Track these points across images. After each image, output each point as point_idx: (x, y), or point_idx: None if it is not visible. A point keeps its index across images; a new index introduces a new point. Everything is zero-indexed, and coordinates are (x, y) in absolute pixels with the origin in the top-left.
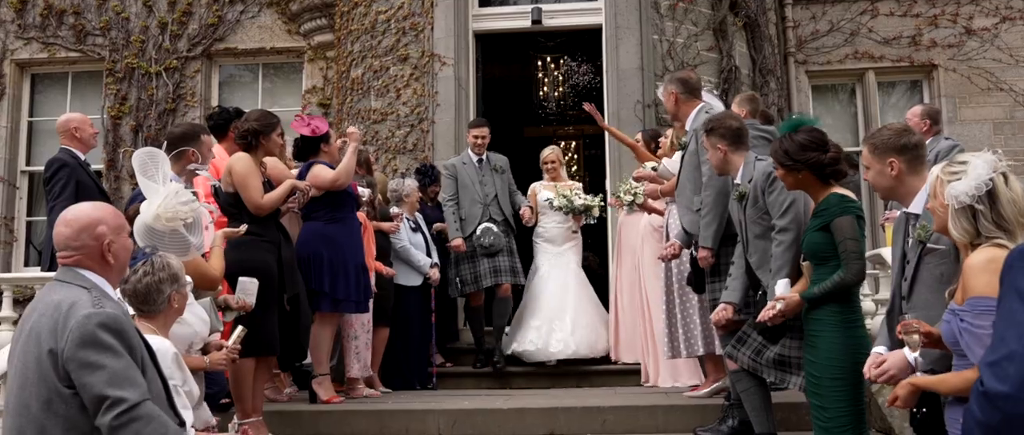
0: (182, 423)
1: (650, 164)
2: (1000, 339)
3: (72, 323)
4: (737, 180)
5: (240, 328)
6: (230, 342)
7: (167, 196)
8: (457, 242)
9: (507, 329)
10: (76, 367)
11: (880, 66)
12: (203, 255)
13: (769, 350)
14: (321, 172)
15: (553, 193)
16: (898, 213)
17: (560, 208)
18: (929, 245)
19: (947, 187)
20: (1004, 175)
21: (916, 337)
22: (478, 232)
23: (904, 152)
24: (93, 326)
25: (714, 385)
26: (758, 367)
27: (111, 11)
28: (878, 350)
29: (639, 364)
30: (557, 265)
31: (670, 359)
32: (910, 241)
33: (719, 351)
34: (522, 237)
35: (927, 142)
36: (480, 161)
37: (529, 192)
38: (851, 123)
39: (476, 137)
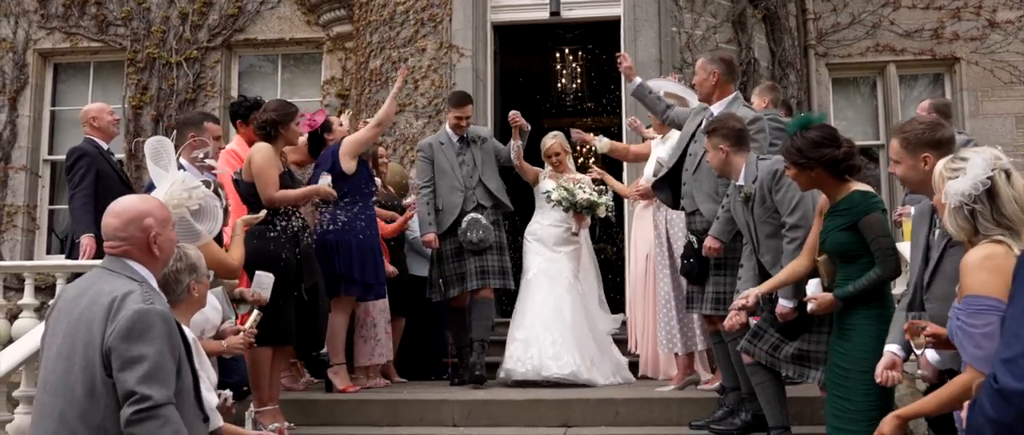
0: (206, 419)
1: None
2: (1015, 335)
3: (122, 314)
4: (739, 182)
5: (256, 312)
6: (247, 326)
7: (173, 183)
8: (429, 237)
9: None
10: (117, 358)
11: (901, 59)
12: (223, 245)
13: (787, 346)
14: (354, 138)
15: (554, 185)
16: (911, 208)
17: (558, 202)
18: (954, 238)
19: (946, 184)
20: (1006, 172)
21: (922, 338)
22: (463, 225)
23: (939, 147)
24: (142, 321)
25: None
26: (776, 362)
27: (133, 1)
28: (892, 349)
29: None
30: (547, 272)
31: (668, 353)
32: (936, 233)
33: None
34: (514, 236)
35: None
36: (462, 140)
37: (531, 175)
38: (871, 117)
39: (459, 118)
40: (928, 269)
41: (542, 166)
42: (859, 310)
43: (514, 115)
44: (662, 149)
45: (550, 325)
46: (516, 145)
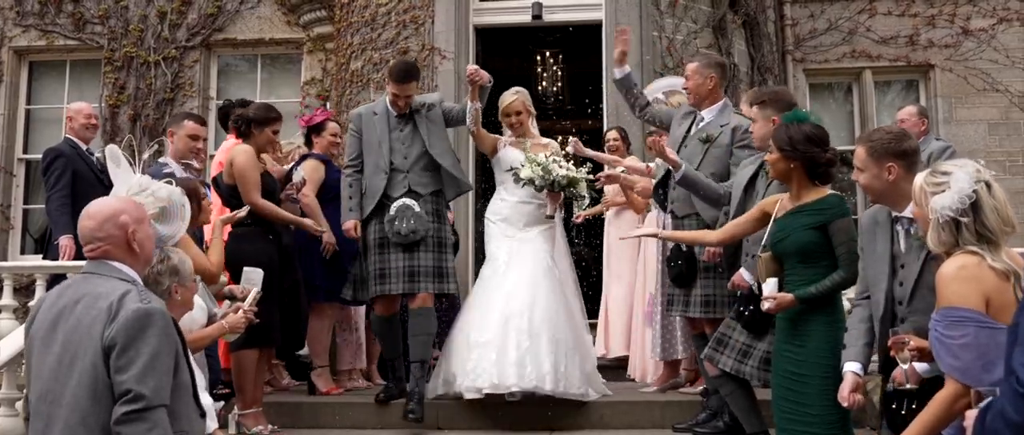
0: (203, 414)
1: (620, 167)
2: None
3: (122, 315)
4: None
5: (256, 290)
6: (246, 304)
7: (129, 188)
8: (347, 225)
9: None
10: (116, 356)
11: (877, 65)
12: (204, 247)
13: (755, 349)
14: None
15: (522, 158)
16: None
17: (529, 181)
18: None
19: (931, 200)
20: (987, 184)
21: (907, 352)
22: (391, 211)
23: (903, 157)
24: (141, 320)
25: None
26: (742, 370)
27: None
28: (853, 368)
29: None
30: (519, 256)
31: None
32: (902, 244)
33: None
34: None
35: (919, 142)
36: (401, 116)
37: (489, 144)
38: (847, 122)
39: (396, 94)
40: (897, 279)
41: (500, 132)
42: (816, 314)
43: (473, 69)
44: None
45: (521, 322)
46: (474, 107)
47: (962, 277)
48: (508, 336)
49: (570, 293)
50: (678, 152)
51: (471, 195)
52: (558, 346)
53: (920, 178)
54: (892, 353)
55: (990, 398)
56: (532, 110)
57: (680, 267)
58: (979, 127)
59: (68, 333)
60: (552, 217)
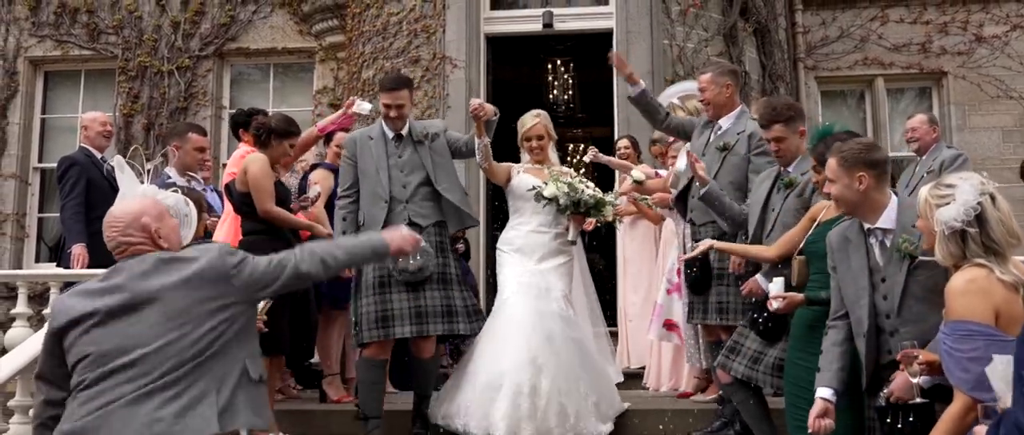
0: None
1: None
2: None
3: (216, 250)
4: (790, 169)
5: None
6: (259, 312)
7: (134, 197)
8: None
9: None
10: (239, 271)
11: (889, 73)
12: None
13: (768, 355)
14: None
15: (539, 179)
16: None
17: (552, 200)
18: (921, 258)
19: (936, 212)
20: (991, 196)
21: (916, 366)
22: None
23: (874, 167)
24: (227, 248)
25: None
26: (754, 376)
27: (124, 10)
28: (825, 394)
29: (643, 368)
30: (529, 291)
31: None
32: (878, 256)
33: None
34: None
35: (930, 150)
36: (398, 138)
37: (503, 175)
38: (860, 129)
39: (387, 104)
40: (879, 293)
41: (517, 160)
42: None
43: (476, 104)
44: (681, 159)
45: (527, 365)
46: (483, 143)
47: (971, 291)
48: (516, 398)
49: (588, 329)
50: (719, 165)
51: (483, 222)
52: (565, 411)
53: (925, 191)
54: (901, 368)
55: (1004, 410)
56: (554, 135)
57: (696, 274)
58: (993, 134)
59: (174, 296)
60: (573, 243)
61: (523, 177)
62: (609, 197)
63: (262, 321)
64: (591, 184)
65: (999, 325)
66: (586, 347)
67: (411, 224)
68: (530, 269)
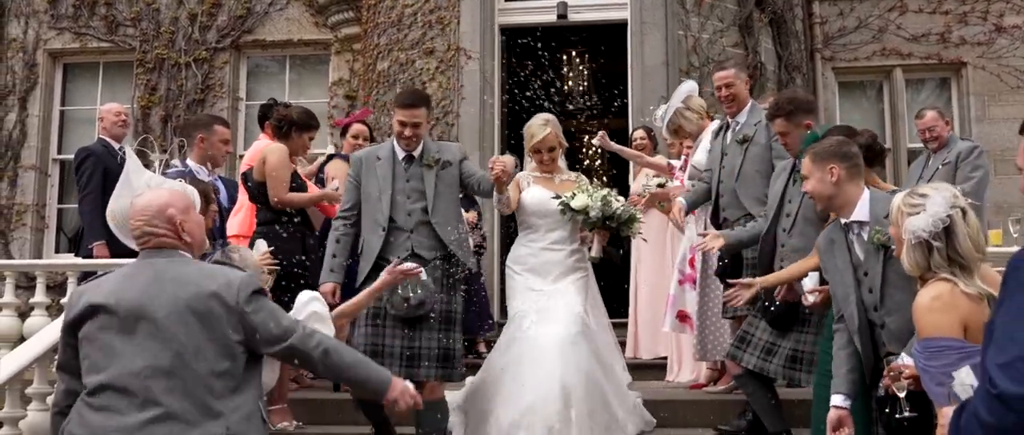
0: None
1: (654, 180)
2: (1010, 339)
3: (237, 282)
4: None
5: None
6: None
7: (139, 185)
8: (326, 287)
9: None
10: (252, 311)
11: (908, 63)
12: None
13: (780, 347)
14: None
15: (549, 190)
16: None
17: (580, 212)
18: (894, 247)
19: (906, 220)
20: (962, 210)
21: (903, 381)
22: None
23: (845, 159)
24: (253, 284)
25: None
26: (766, 368)
27: (142, 2)
28: (838, 401)
29: (659, 360)
30: (548, 314)
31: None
32: (858, 251)
33: None
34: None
35: (946, 142)
36: (409, 159)
37: (511, 186)
38: (878, 121)
39: (403, 122)
40: (865, 287)
41: (521, 165)
42: None
43: (499, 169)
44: (699, 154)
45: (556, 395)
46: (504, 197)
47: (936, 308)
48: (545, 410)
49: (603, 336)
50: (721, 162)
51: (496, 239)
52: (594, 411)
53: (899, 198)
54: (887, 383)
55: (965, 398)
56: (564, 142)
57: (725, 265)
58: (1013, 125)
59: (183, 312)
60: (596, 260)
61: (534, 190)
62: (636, 210)
63: (267, 270)
64: (621, 197)
65: (968, 337)
66: (605, 359)
67: (414, 255)
68: (547, 291)
